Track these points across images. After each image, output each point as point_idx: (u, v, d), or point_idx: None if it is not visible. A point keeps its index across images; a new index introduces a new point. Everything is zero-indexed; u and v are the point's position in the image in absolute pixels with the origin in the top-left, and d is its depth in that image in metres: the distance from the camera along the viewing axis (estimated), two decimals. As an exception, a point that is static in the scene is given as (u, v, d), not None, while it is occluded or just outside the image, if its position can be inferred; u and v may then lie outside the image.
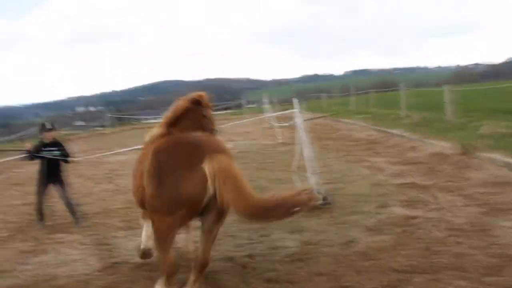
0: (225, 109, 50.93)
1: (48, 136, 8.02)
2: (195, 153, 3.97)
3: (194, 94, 5.61)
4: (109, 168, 14.41)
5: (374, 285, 4.41)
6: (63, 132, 41.30)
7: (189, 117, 5.43)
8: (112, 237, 7.05)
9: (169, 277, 4.28)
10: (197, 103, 5.54)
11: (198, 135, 4.53)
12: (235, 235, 6.47)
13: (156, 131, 5.36)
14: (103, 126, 37.61)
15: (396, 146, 12.86)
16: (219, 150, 4.13)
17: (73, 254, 6.44)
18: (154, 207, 4.11)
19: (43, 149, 7.77)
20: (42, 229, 7.77)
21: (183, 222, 4.28)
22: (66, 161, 7.95)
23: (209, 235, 4.33)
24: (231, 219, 7.17)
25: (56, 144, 7.99)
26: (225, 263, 5.47)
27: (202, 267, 4.43)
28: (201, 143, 4.16)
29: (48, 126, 8.13)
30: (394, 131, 15.88)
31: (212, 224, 4.27)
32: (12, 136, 32.12)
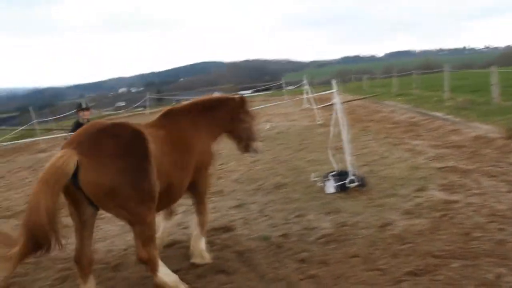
0: (265, 90, 50.75)
1: (84, 116, 8.23)
2: None
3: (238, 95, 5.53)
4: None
5: (410, 269, 4.33)
6: (105, 112, 42.25)
7: (219, 109, 5.26)
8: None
9: None
10: (238, 102, 5.39)
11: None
12: (271, 216, 6.50)
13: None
14: (143, 106, 38.20)
15: (438, 129, 12.50)
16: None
17: (112, 230, 6.64)
18: None
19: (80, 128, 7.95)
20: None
21: None
22: None
23: None
24: (268, 199, 7.25)
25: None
26: (260, 242, 5.50)
27: None
28: None
29: (84, 105, 8.36)
30: (437, 113, 15.45)
31: None
32: (57, 116, 33.10)
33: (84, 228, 4.02)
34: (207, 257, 4.99)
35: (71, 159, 3.53)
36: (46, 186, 3.42)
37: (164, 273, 4.13)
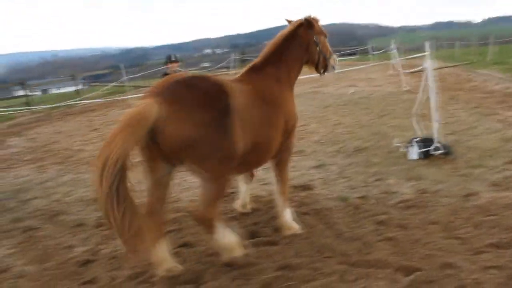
0: (350, 54, 49.50)
1: (172, 67, 8.74)
2: None
3: (304, 17, 4.81)
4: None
5: (493, 241, 4.20)
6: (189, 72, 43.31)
7: (294, 47, 4.77)
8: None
9: None
10: (307, 26, 4.78)
11: None
12: (350, 177, 6.52)
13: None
14: (227, 67, 38.72)
15: (537, 101, 11.68)
16: None
17: (196, 182, 6.92)
18: None
19: None
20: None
21: None
22: None
23: None
24: (348, 161, 7.26)
25: None
26: (338, 202, 5.57)
27: None
28: None
29: (173, 58, 8.98)
30: (536, 84, 14.39)
31: None
32: (144, 73, 34.49)
33: (157, 188, 3.92)
34: (295, 228, 4.82)
35: (152, 107, 3.48)
36: (127, 126, 3.40)
37: (222, 235, 4.04)
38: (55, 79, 50.12)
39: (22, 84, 27.10)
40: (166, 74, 8.68)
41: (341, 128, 10.02)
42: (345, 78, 21.46)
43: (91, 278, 4.25)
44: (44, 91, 48.24)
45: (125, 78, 24.66)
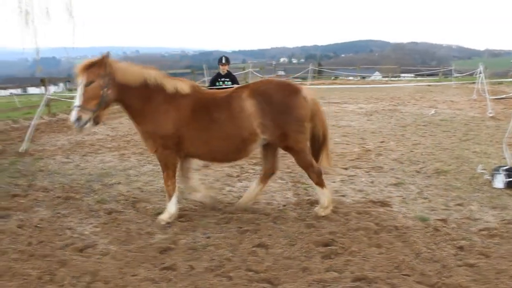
0: (429, 75, 47.97)
1: (223, 69, 9.45)
2: None
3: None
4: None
5: None
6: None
7: None
8: (308, 178, 7.51)
9: None
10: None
11: None
12: (430, 199, 6.38)
13: None
14: (303, 78, 38.71)
15: None
16: None
17: (272, 186, 7.07)
18: None
19: (219, 79, 9.32)
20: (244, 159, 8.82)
21: None
22: None
23: None
24: (428, 182, 7.10)
25: (229, 75, 9.40)
26: (417, 222, 5.47)
27: None
28: None
29: (224, 60, 9.58)
30: None
31: None
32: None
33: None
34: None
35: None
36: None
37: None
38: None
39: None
40: (219, 73, 9.55)
41: (421, 148, 9.77)
42: (425, 98, 20.89)
43: (170, 264, 4.45)
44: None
45: (205, 78, 25.36)
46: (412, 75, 47.96)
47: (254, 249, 4.76)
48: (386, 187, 6.98)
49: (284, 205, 6.24)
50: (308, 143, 5.65)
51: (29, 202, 6.54)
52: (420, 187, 6.92)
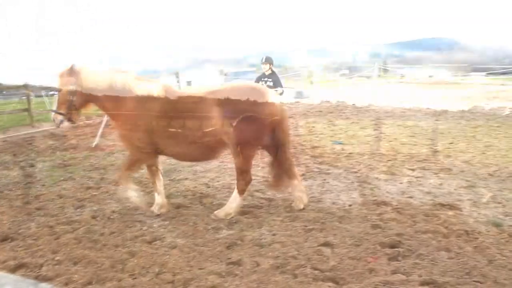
0: (503, 73, 45.53)
1: (265, 69, 9.37)
2: None
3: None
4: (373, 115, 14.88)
5: None
6: (330, 78, 43.47)
7: None
8: (374, 178, 7.40)
9: None
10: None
11: None
12: (504, 203, 6.08)
13: None
14: (367, 76, 38.06)
15: None
16: None
17: (338, 186, 7.02)
18: None
19: (262, 79, 9.27)
20: (310, 158, 8.78)
21: None
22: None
23: None
24: (502, 186, 6.78)
25: (272, 76, 9.32)
26: (490, 227, 5.24)
27: None
28: None
29: (263, 60, 9.52)
30: None
31: None
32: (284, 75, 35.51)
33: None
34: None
35: None
36: None
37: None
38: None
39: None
40: (263, 74, 9.49)
41: (494, 150, 9.33)
42: (498, 98, 19.93)
43: (237, 260, 4.52)
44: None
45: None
46: (484, 73, 45.72)
47: (319, 248, 4.74)
48: (455, 189, 6.72)
49: (350, 205, 6.17)
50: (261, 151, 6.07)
51: (102, 194, 6.87)
52: (493, 191, 6.61)
